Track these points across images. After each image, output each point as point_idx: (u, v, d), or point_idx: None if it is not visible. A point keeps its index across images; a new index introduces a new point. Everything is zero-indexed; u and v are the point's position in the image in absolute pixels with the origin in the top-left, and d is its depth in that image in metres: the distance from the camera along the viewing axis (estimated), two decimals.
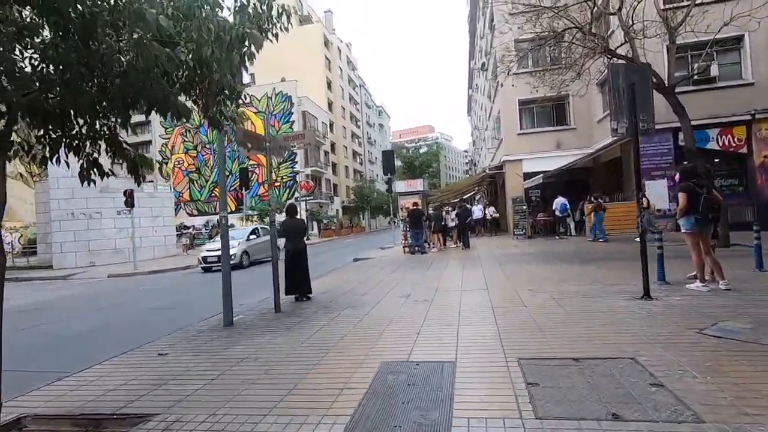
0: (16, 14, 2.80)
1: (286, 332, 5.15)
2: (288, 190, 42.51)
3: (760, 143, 14.64)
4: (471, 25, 42.31)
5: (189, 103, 3.82)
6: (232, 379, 3.68)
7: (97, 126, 3.49)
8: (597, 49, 12.36)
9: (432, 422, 2.63)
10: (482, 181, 28.52)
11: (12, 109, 2.67)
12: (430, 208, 17.82)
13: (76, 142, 3.38)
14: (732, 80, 15.17)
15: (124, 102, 2.96)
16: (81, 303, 10.19)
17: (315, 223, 41.32)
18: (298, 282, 7.27)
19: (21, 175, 33.58)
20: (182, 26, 2.96)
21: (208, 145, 44.06)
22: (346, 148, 60.31)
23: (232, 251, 13.53)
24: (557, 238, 16.81)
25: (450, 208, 19.89)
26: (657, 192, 15.58)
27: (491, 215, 21.58)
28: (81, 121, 3.37)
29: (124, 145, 3.57)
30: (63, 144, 3.33)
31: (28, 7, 2.70)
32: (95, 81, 3.04)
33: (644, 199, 14.18)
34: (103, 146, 3.58)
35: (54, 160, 3.35)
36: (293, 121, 43.22)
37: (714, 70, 15.08)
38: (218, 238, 16.63)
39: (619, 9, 11.60)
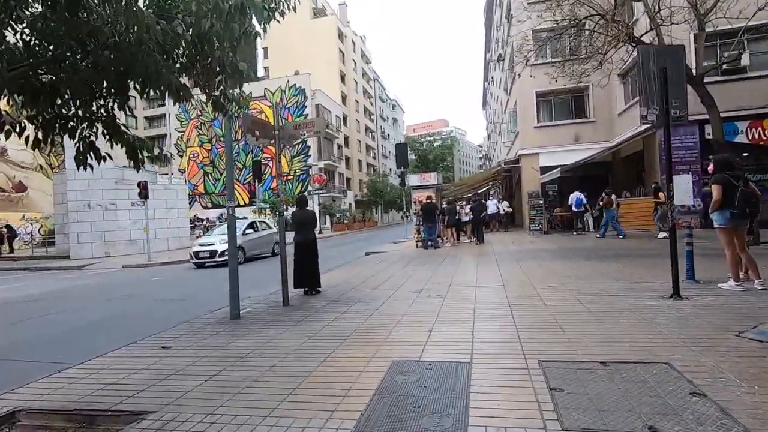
0: None
1: (293, 327, 4.96)
2: (301, 183, 42.52)
3: None
4: (487, 16, 41.49)
5: (190, 84, 3.62)
6: (234, 375, 3.50)
7: (94, 108, 3.31)
8: (620, 37, 11.84)
9: (445, 430, 2.40)
10: (497, 176, 28.00)
11: None
12: (444, 202, 17.47)
13: (71, 123, 3.21)
14: (764, 70, 14.41)
15: (117, 77, 2.76)
16: (93, 293, 10.21)
17: (328, 217, 41.29)
18: (307, 275, 7.09)
19: (41, 166, 34.26)
20: None
21: (222, 138, 44.34)
22: (359, 141, 60.05)
23: (225, 246, 12.80)
24: (574, 233, 16.33)
25: (464, 202, 19.53)
26: (681, 187, 14.96)
27: (504, 210, 21.11)
28: (77, 102, 3.19)
29: (122, 128, 3.39)
30: (57, 126, 3.16)
31: None
32: (88, 57, 2.85)
33: (661, 193, 13.70)
34: (101, 129, 3.41)
35: (48, 142, 3.17)
36: (306, 115, 43.06)
37: (745, 59, 14.35)
38: (214, 231, 15.42)
39: None
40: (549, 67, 16.19)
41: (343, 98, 55.13)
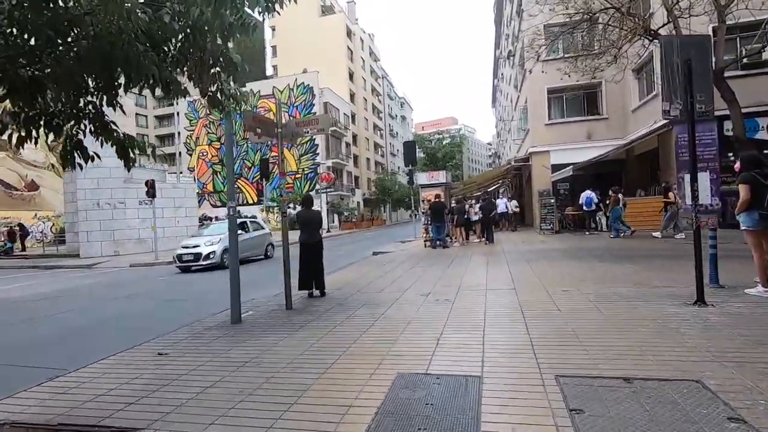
0: None
1: (295, 333, 4.76)
2: (309, 181, 42.44)
3: None
4: (497, 13, 40.95)
5: (184, 79, 3.43)
6: (230, 388, 3.30)
7: (81, 104, 3.13)
8: (636, 30, 11.44)
9: None
10: (507, 174, 27.59)
11: None
12: (453, 201, 17.18)
13: (57, 120, 3.02)
14: None
15: (101, 69, 2.57)
16: (99, 292, 10.14)
17: (336, 216, 41.19)
18: (311, 277, 6.90)
19: (53, 165, 34.59)
20: None
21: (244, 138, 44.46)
22: (367, 140, 59.85)
23: (211, 249, 12.74)
24: (587, 233, 15.94)
25: (474, 201, 19.21)
26: (699, 185, 14.51)
27: (512, 210, 20.64)
28: (62, 98, 3.01)
29: (111, 125, 3.20)
30: (42, 123, 2.97)
31: None
32: (72, 49, 2.65)
33: (671, 193, 13.31)
34: (89, 127, 3.23)
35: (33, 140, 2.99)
36: (315, 113, 42.97)
37: (767, 54, 13.82)
38: (203, 231, 14.72)
39: None
40: (561, 62, 15.79)
41: (352, 96, 54.96)
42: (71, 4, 2.31)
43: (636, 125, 17.57)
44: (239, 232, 13.42)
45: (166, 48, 3.08)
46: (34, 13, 2.27)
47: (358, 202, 51.83)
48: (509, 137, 38.20)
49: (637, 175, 17.84)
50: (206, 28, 2.72)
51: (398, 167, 65.81)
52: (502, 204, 20.36)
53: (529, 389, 2.89)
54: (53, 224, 33.39)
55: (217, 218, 34.26)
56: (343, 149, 48.87)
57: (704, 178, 16.48)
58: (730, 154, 14.46)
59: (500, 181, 31.63)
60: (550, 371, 3.15)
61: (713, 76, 10.07)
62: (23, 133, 2.86)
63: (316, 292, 6.97)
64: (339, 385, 3.20)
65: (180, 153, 48.02)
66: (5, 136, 3.08)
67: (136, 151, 3.39)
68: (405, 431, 2.46)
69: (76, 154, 3.11)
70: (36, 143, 2.93)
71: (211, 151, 46.18)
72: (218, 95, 3.77)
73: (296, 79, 44.11)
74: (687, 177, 15.25)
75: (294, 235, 6.69)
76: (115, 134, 3.20)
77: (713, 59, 10.83)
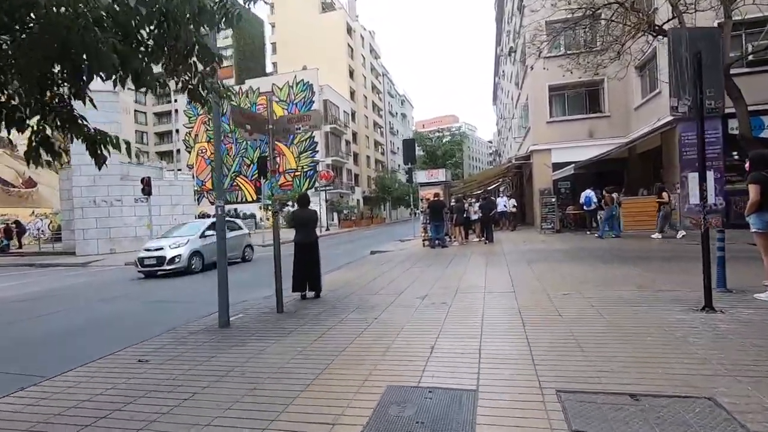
0: None
1: (283, 338, 4.55)
2: (308, 179, 42.23)
3: None
4: (498, 9, 40.61)
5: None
6: (209, 400, 3.09)
7: (48, 96, 2.91)
8: (640, 26, 11.19)
9: None
10: (507, 172, 27.34)
11: None
12: (452, 200, 16.96)
13: (19, 114, 2.80)
14: None
15: (61, 56, 2.34)
16: (90, 292, 9.94)
17: (335, 214, 40.97)
18: (306, 278, 6.68)
19: (49, 162, 34.35)
20: None
21: (230, 134, 44.21)
22: (368, 137, 59.58)
23: (177, 252, 11.53)
24: (588, 233, 15.70)
25: (474, 200, 18.98)
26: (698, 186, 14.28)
27: (510, 208, 20.28)
28: (25, 89, 2.78)
29: (80, 120, 2.98)
30: (2, 116, 2.75)
31: None
32: (29, 35, 2.43)
33: (665, 193, 13.14)
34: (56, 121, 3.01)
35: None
36: (322, 115, 42.70)
37: None
38: (173, 231, 13.27)
39: None
40: (563, 59, 15.54)
41: (352, 94, 54.67)
42: None
43: (638, 123, 17.32)
44: (210, 233, 12.17)
45: (139, 37, 2.86)
46: None
47: (358, 200, 51.62)
48: (510, 135, 37.93)
49: (640, 174, 17.59)
50: (178, 13, 2.50)
51: (398, 165, 65.54)
52: (502, 203, 20.14)
53: (527, 406, 2.68)
54: (51, 221, 33.20)
55: (207, 215, 34.11)
56: (343, 147, 48.63)
57: (708, 178, 16.28)
58: (735, 153, 14.26)
59: (501, 180, 31.38)
60: (551, 385, 2.93)
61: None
62: None
63: (310, 294, 6.77)
64: (324, 399, 2.99)
65: (179, 150, 47.87)
66: (3, 133, 2.89)
67: (109, 148, 3.17)
68: None
69: (42, 151, 2.89)
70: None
71: (210, 149, 45.94)
72: (200, 89, 3.55)
73: (296, 76, 43.85)
74: (690, 176, 15.04)
75: (285, 235, 6.49)
76: (84, 129, 2.98)
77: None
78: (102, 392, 3.41)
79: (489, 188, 30.20)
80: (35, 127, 2.94)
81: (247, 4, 3.41)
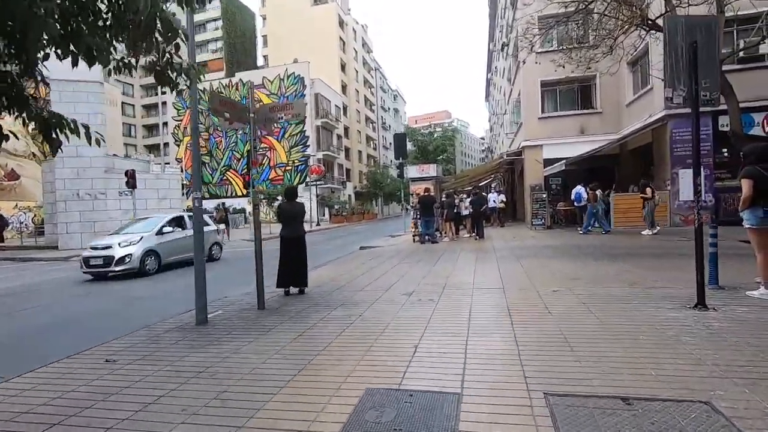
0: None
1: (261, 337, 4.34)
2: (299, 173, 41.75)
3: None
4: (491, 5, 40.39)
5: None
6: (174, 405, 2.88)
7: None
8: (633, 20, 11.07)
9: None
10: (499, 168, 27.26)
11: None
12: (443, 195, 16.80)
13: None
14: None
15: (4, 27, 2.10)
16: (68, 288, 9.60)
17: (326, 209, 40.65)
18: (294, 274, 6.46)
19: (34, 154, 33.59)
20: None
21: (219, 128, 43.57)
22: (359, 132, 59.20)
23: (127, 251, 10.25)
24: (578, 229, 15.65)
25: (465, 195, 18.85)
26: (690, 181, 14.29)
27: (497, 204, 20.05)
28: None
29: (31, 101, 2.72)
30: None
31: None
32: None
33: (648, 189, 13.17)
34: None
35: None
36: (305, 104, 42.22)
37: (763, 47, 13.55)
38: (127, 227, 11.97)
39: None
40: (555, 54, 15.41)
41: (343, 88, 54.19)
42: None
43: (630, 119, 17.29)
44: (170, 229, 11.55)
45: (94, 10, 2.61)
46: None
47: (350, 196, 51.32)
48: (502, 131, 37.88)
49: (631, 170, 17.58)
50: None
51: (390, 160, 65.23)
52: (493, 198, 20.04)
53: (513, 411, 2.51)
54: (35, 215, 32.48)
55: (218, 208, 33.46)
56: (335, 141, 48.24)
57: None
58: (725, 150, 14.28)
59: (492, 176, 31.32)
60: (539, 388, 2.76)
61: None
62: None
63: (294, 290, 6.55)
64: (297, 403, 2.79)
65: (167, 144, 47.18)
66: None
67: (66, 132, 2.91)
68: None
69: None
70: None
71: (200, 142, 45.31)
72: (168, 71, 3.31)
73: (287, 69, 42.86)
74: (681, 172, 14.96)
75: (273, 230, 6.26)
76: (35, 111, 2.72)
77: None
78: (61, 395, 3.17)
79: (480, 184, 30.11)
80: None
81: None
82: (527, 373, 3.01)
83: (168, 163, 39.01)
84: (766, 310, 4.24)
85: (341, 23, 55.21)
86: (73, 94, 20.86)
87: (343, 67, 54.77)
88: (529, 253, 9.71)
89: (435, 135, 58.26)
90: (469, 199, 16.00)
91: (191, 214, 12.71)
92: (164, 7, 2.55)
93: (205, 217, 13.25)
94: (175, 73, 3.36)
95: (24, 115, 2.78)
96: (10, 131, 2.67)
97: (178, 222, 12.16)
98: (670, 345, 3.39)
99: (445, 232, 15.16)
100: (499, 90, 40.04)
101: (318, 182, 35.38)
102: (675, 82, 4.41)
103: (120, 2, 2.58)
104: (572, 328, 3.97)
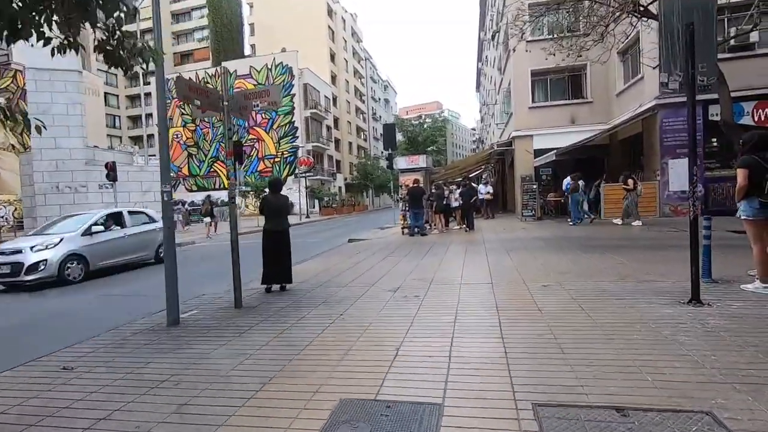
0: None
1: (235, 339, 4.08)
2: (288, 165, 41.27)
3: None
4: None
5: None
6: (128, 420, 2.61)
7: None
8: (625, 7, 10.82)
9: None
10: (489, 159, 27.08)
11: None
12: (432, 187, 16.55)
13: None
14: None
15: None
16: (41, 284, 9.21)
17: (316, 201, 40.23)
18: (279, 270, 6.19)
19: (13, 146, 32.57)
20: None
21: (206, 119, 42.68)
22: (349, 123, 58.59)
23: (41, 256, 8.56)
24: (568, 220, 15.55)
25: (455, 187, 18.62)
26: (680, 172, 14.25)
27: (484, 195, 19.71)
28: None
29: None
30: None
31: None
32: None
33: (630, 180, 13.12)
34: None
35: None
36: (294, 94, 41.58)
37: (754, 35, 13.43)
38: (49, 227, 10.04)
39: None
40: (546, 42, 15.15)
41: (333, 78, 53.43)
42: None
43: (620, 109, 17.16)
44: (98, 228, 9.74)
45: None
46: None
47: (340, 188, 50.91)
48: (493, 122, 37.66)
49: (621, 160, 17.48)
50: None
51: (381, 152, 64.82)
52: (484, 190, 19.84)
53: (498, 424, 2.29)
54: (15, 209, 31.59)
55: (183, 203, 32.82)
56: (324, 132, 47.65)
57: (687, 164, 16.02)
58: (714, 140, 14.22)
59: (483, 167, 31.15)
60: (527, 397, 2.55)
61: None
62: None
63: (276, 287, 6.28)
64: (263, 417, 2.54)
65: (151, 135, 46.12)
66: None
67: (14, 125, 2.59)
68: None
69: None
70: None
71: (186, 133, 44.40)
72: (120, 50, 2.99)
73: (274, 59, 42.47)
74: (671, 162, 14.79)
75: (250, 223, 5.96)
76: None
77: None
78: (5, 411, 2.88)
79: (471, 175, 29.94)
80: None
81: None
82: (515, 379, 2.79)
83: (153, 155, 38.21)
84: (762, 305, 4.08)
85: (330, 12, 54.25)
86: (49, 83, 20.18)
87: (332, 57, 53.95)
88: (518, 245, 9.54)
89: (425, 126, 57.83)
90: (459, 191, 15.79)
91: (135, 210, 11.70)
92: None
93: (151, 212, 11.80)
94: (127, 54, 3.04)
95: None
96: None
97: (116, 219, 10.41)
98: (666, 346, 3.20)
99: (435, 224, 14.95)
100: (489, 80, 39.75)
101: (307, 174, 34.93)
102: (671, 66, 4.18)
103: None
104: (563, 327, 3.77)
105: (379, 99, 76.08)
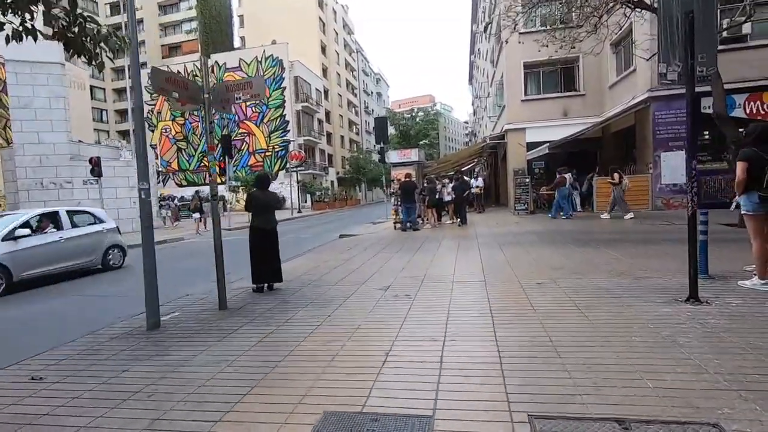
0: None
1: (216, 344, 3.88)
2: (280, 160, 40.82)
3: None
4: None
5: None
6: None
7: None
8: None
9: None
10: (482, 152, 26.95)
11: None
12: (425, 181, 16.39)
13: None
14: (766, 39, 13.48)
15: None
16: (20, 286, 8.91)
17: (308, 196, 39.89)
18: (270, 268, 5.99)
19: None
20: None
21: (195, 113, 41.97)
22: (342, 117, 58.08)
23: None
24: (561, 214, 15.48)
25: (448, 181, 18.48)
26: (673, 165, 14.24)
27: (474, 188, 19.48)
28: None
29: None
30: None
31: None
32: None
33: (616, 174, 13.08)
34: None
35: None
36: (284, 87, 41.03)
37: (747, 27, 13.36)
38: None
39: None
40: (538, 34, 14.97)
41: (324, 71, 52.84)
42: None
43: (613, 102, 17.07)
44: (23, 232, 8.20)
45: None
46: None
47: (332, 182, 50.55)
48: (485, 115, 37.51)
49: (614, 153, 17.43)
50: None
51: (373, 145, 64.43)
52: (476, 184, 19.73)
53: None
54: (0, 205, 30.91)
55: (172, 198, 32.25)
56: (316, 126, 47.18)
57: (679, 157, 16.08)
58: (706, 133, 14.18)
59: (475, 160, 31.03)
60: (522, 408, 2.39)
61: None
62: None
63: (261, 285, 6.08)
64: (244, 429, 2.36)
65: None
66: None
67: None
68: None
69: None
70: None
71: (175, 127, 43.70)
72: (82, 38, 2.75)
73: (264, 51, 41.82)
74: (663, 155, 14.77)
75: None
76: None
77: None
78: None
79: (463, 169, 29.82)
80: None
81: None
82: (509, 388, 2.64)
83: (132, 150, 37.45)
84: (761, 303, 3.97)
85: (321, 3, 53.50)
86: (31, 76, 19.59)
87: (323, 49, 53.31)
88: (512, 240, 9.42)
89: (417, 119, 57.51)
90: (451, 185, 15.65)
91: (75, 209, 10.33)
92: None
93: (100, 212, 10.49)
94: (91, 42, 2.81)
95: None
96: None
97: (52, 220, 8.99)
98: (667, 348, 3.06)
99: (427, 219, 14.80)
100: (482, 73, 39.54)
101: (299, 168, 34.56)
102: (669, 56, 4.02)
103: None
104: (559, 328, 3.62)
105: (372, 92, 75.52)
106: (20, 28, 2.55)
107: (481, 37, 36.61)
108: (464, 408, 2.45)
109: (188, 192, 37.39)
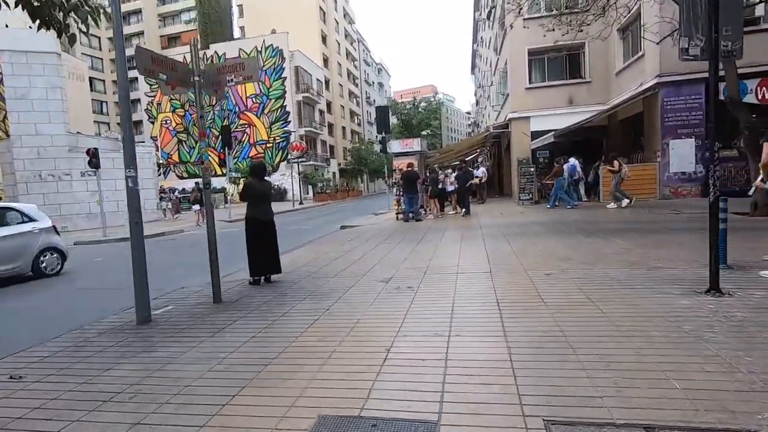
0: None
1: (208, 340, 3.68)
2: (281, 151, 40.51)
3: None
4: None
5: None
6: None
7: None
8: None
9: None
10: (485, 141, 26.56)
11: None
12: (427, 171, 16.09)
13: None
14: None
15: None
16: (16, 279, 8.75)
17: (309, 187, 39.63)
18: (268, 259, 5.78)
19: None
20: None
21: (195, 104, 41.57)
22: (343, 107, 57.54)
23: None
24: (566, 204, 15.20)
25: (450, 171, 18.17)
26: (681, 152, 13.90)
27: (476, 178, 19.07)
28: None
29: None
30: None
31: None
32: None
33: (615, 162, 12.77)
34: None
35: None
36: (285, 77, 40.57)
37: (759, 9, 12.93)
38: None
39: None
40: (544, 19, 14.56)
41: (325, 61, 52.21)
42: None
43: (620, 89, 16.66)
44: None
45: None
46: None
47: (334, 173, 50.23)
48: (488, 104, 37.00)
49: (620, 141, 17.06)
50: None
51: (375, 136, 63.90)
52: (480, 173, 19.40)
53: None
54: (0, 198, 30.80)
55: (173, 190, 32.04)
56: (317, 117, 46.74)
57: (688, 145, 15.62)
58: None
59: (479, 150, 30.63)
60: (537, 411, 2.17)
61: None
62: None
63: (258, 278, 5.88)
64: None
65: (141, 121, 45.04)
66: None
67: None
68: None
69: None
70: None
71: (176, 119, 43.38)
72: (49, 7, 2.50)
73: (264, 41, 41.30)
74: (672, 143, 14.36)
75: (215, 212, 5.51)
76: None
77: None
78: None
79: (467, 159, 29.44)
80: None
81: None
82: (522, 389, 2.41)
83: (143, 142, 37.24)
84: None
85: None
86: (27, 66, 19.31)
87: (324, 39, 52.62)
88: (517, 231, 9.16)
89: (419, 109, 56.89)
90: (454, 174, 15.35)
91: (7, 205, 9.19)
92: None
93: (32, 208, 8.82)
94: (60, 12, 2.55)
95: None
96: None
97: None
98: (691, 344, 2.83)
99: (430, 209, 14.55)
100: (485, 61, 38.92)
101: (300, 159, 34.25)
102: (692, 29, 3.72)
103: None
104: (571, 323, 3.39)
105: (373, 82, 74.78)
106: None
107: (484, 25, 35.95)
108: (472, 412, 2.23)
109: (189, 184, 37.18)
